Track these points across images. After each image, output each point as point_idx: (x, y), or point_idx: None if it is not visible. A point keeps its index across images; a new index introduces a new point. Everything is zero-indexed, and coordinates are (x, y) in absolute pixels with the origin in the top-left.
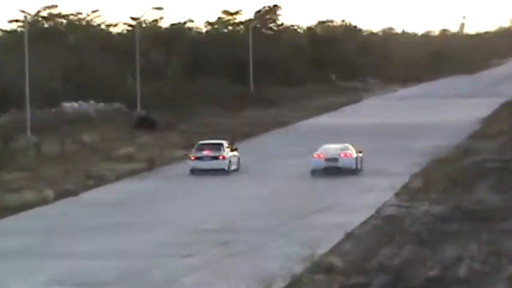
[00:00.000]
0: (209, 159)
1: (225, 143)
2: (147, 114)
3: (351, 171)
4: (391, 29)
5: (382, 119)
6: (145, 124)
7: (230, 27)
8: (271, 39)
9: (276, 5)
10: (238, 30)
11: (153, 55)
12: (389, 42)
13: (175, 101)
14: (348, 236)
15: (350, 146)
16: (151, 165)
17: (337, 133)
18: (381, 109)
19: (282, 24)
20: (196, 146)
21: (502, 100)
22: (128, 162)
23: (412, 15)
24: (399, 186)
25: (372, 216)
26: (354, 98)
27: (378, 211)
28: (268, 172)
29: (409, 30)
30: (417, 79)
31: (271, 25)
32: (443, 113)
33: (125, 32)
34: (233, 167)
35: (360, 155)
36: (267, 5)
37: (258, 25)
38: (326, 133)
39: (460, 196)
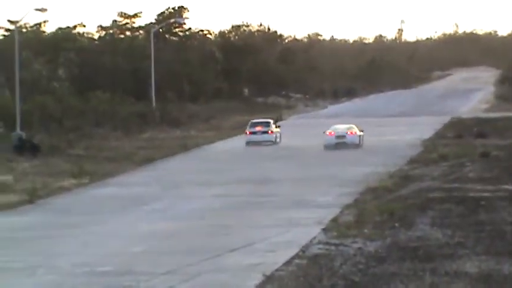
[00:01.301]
0: (261, 134)
1: (272, 121)
2: (28, 136)
3: (356, 146)
4: (317, 34)
5: (307, 141)
6: (25, 148)
7: (128, 33)
8: (176, 47)
9: (182, 7)
10: (137, 36)
11: (35, 65)
12: (315, 50)
13: (62, 120)
14: (268, 279)
15: (354, 126)
16: (32, 197)
17: (257, 157)
18: (305, 129)
19: (189, 29)
20: (249, 123)
21: (445, 119)
22: (3, 194)
23: (342, 19)
24: (328, 220)
25: (296, 256)
26: (274, 116)
27: (303, 249)
28: (175, 204)
29: (339, 36)
30: (349, 94)
31: (177, 30)
32: (380, 134)
33: (0, 37)
34: (278, 140)
35: (362, 133)
36: (171, 6)
37: (161, 30)
38: (243, 157)
39: (398, 231)
